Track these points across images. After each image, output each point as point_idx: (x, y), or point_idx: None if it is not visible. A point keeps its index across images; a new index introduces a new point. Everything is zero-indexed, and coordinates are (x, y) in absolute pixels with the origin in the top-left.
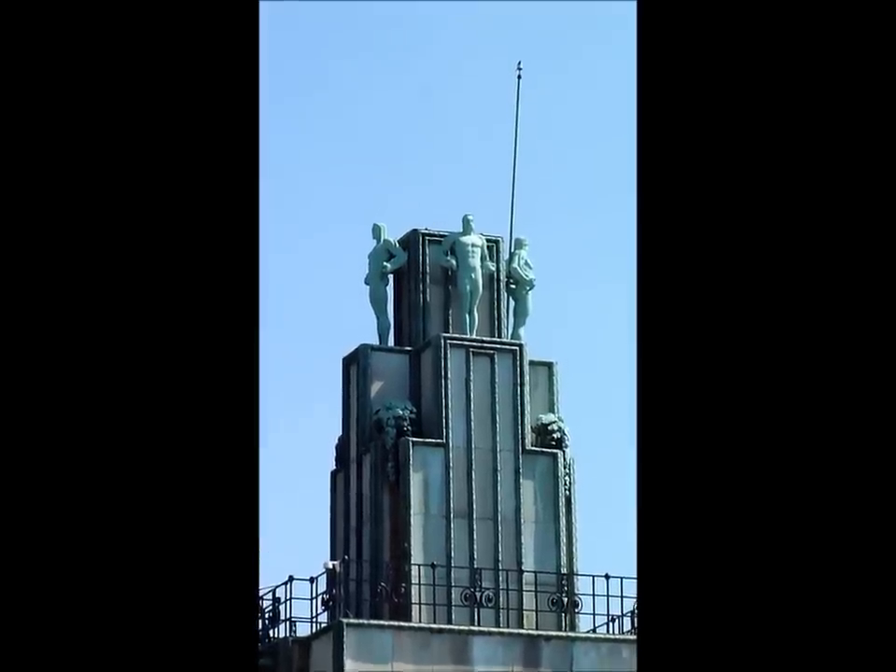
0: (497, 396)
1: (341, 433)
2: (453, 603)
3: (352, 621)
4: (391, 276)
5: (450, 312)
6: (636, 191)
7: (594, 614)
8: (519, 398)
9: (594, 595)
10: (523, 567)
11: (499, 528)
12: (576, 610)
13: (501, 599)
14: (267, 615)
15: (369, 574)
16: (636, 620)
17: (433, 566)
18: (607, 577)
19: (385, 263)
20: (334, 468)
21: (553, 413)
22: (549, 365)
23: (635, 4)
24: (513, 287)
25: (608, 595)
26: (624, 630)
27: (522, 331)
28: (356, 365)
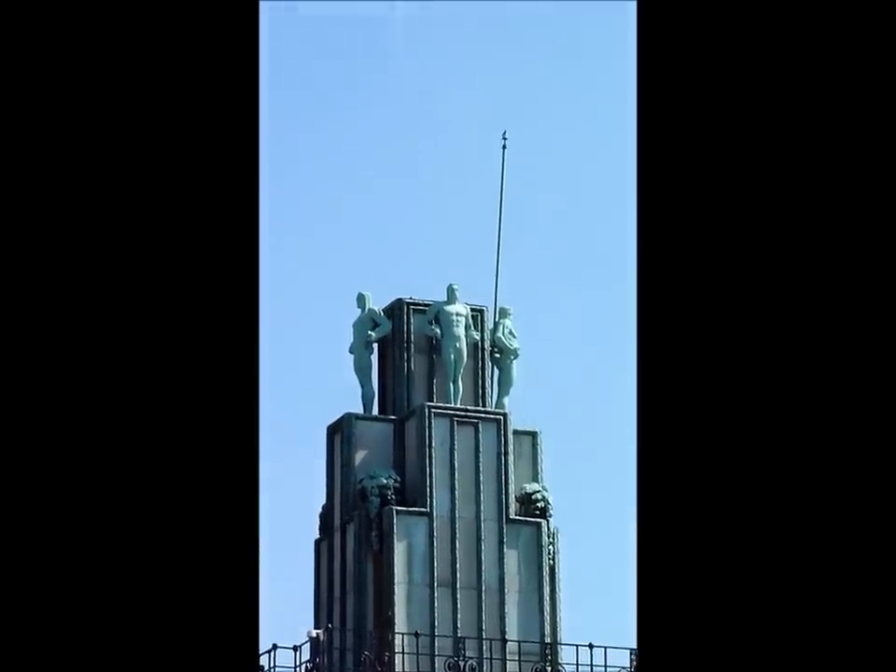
0: (481, 465)
1: (325, 502)
2: None
3: None
4: (375, 345)
5: (434, 381)
6: (635, 261)
7: None
8: (503, 467)
9: (577, 664)
10: (506, 637)
11: (483, 597)
12: None
13: (485, 668)
14: None
15: (352, 643)
16: None
17: (417, 635)
18: (590, 646)
19: (369, 332)
20: (318, 536)
21: (537, 482)
22: (533, 434)
23: (634, 75)
24: (498, 356)
25: (591, 665)
26: None
27: (506, 401)
28: (340, 434)
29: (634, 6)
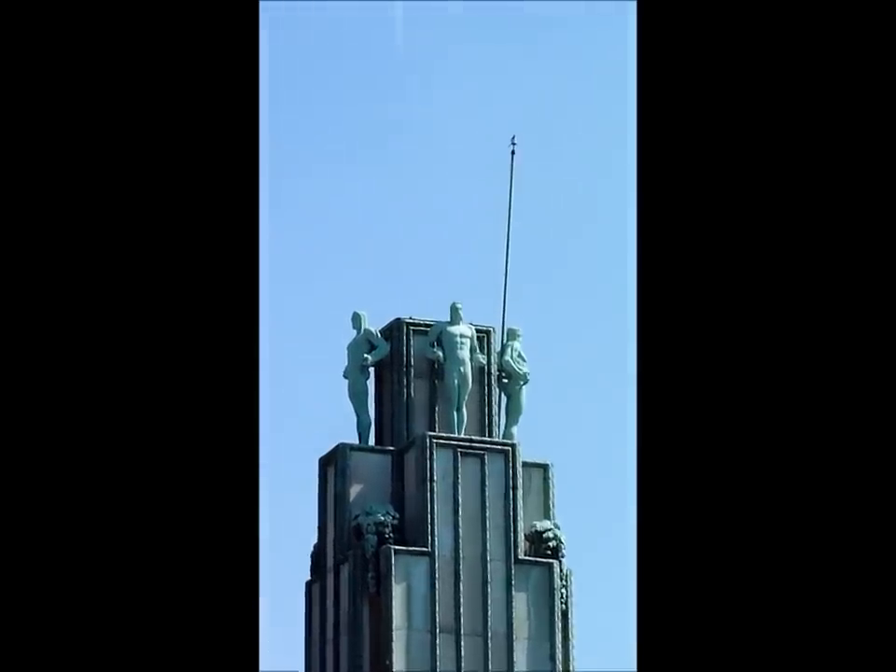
0: (487, 500)
1: (317, 540)
2: None
3: None
4: (372, 369)
5: (436, 408)
6: (636, 280)
7: None
8: (511, 502)
9: None
10: None
11: (489, 644)
12: None
13: None
14: None
15: None
16: None
17: None
18: None
19: (365, 355)
20: (310, 577)
21: (549, 519)
22: (544, 467)
23: (635, 87)
24: (505, 381)
25: None
26: None
27: (514, 430)
28: (333, 466)
29: (634, 6)
